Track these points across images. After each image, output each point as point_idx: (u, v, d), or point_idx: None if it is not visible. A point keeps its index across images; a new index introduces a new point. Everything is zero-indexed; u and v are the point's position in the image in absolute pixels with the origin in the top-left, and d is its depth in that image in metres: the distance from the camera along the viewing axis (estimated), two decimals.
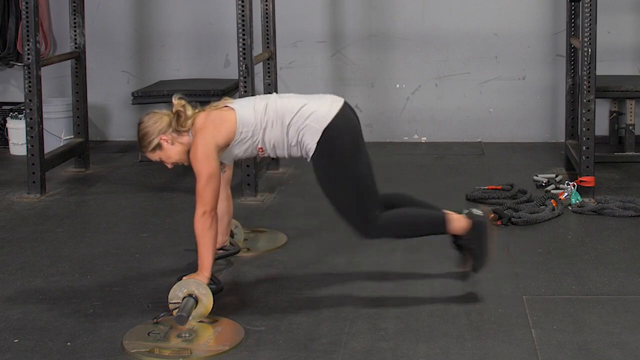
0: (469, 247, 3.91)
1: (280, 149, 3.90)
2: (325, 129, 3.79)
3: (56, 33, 7.39)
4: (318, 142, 3.79)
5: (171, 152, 3.88)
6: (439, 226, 3.91)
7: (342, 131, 3.81)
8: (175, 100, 3.88)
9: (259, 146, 3.88)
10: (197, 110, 3.90)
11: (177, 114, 3.84)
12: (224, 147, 3.84)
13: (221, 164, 3.89)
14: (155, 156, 3.91)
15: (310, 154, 3.82)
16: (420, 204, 4.07)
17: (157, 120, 3.86)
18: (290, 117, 3.83)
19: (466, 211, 3.93)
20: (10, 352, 3.42)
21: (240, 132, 3.83)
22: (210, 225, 3.75)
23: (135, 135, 3.94)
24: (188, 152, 3.86)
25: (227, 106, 3.89)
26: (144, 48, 7.37)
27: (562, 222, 4.99)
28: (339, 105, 3.87)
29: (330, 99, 3.91)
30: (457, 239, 3.95)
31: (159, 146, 3.87)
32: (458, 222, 3.90)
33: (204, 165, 3.75)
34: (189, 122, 3.84)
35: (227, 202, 4.23)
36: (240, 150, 3.90)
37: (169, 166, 3.96)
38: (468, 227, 3.89)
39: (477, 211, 3.94)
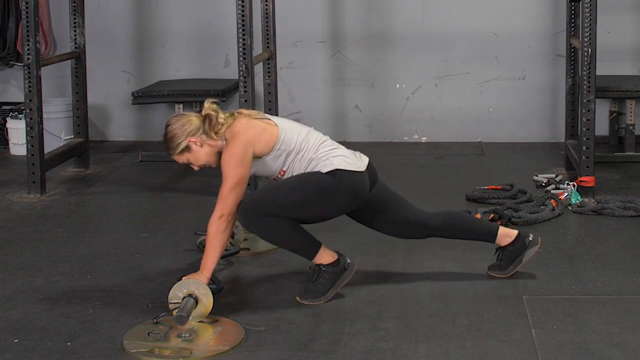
0: (321, 276, 3.87)
1: None
2: (340, 170, 3.80)
3: (56, 33, 7.39)
4: (326, 172, 3.81)
5: (200, 154, 3.84)
6: (308, 254, 3.87)
7: (349, 189, 3.82)
8: (207, 104, 3.84)
9: (283, 169, 3.87)
10: (229, 115, 3.86)
11: (209, 117, 3.81)
12: (255, 158, 3.81)
13: None
14: (182, 159, 3.87)
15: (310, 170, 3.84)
16: (472, 223, 4.12)
17: (186, 123, 3.81)
18: (321, 151, 3.84)
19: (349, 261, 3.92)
20: (10, 352, 3.42)
21: (277, 149, 3.81)
22: (225, 229, 3.75)
23: (162, 137, 3.88)
24: (217, 153, 3.84)
25: (269, 119, 3.88)
26: (144, 48, 7.37)
27: (562, 222, 4.99)
28: (363, 165, 3.89)
29: (361, 157, 3.93)
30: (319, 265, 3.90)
31: (187, 149, 3.83)
32: (328, 256, 3.88)
33: (235, 170, 3.72)
34: (224, 127, 3.81)
35: None
36: (267, 166, 3.86)
37: (196, 169, 3.92)
38: (331, 262, 3.87)
39: (350, 262, 3.92)
